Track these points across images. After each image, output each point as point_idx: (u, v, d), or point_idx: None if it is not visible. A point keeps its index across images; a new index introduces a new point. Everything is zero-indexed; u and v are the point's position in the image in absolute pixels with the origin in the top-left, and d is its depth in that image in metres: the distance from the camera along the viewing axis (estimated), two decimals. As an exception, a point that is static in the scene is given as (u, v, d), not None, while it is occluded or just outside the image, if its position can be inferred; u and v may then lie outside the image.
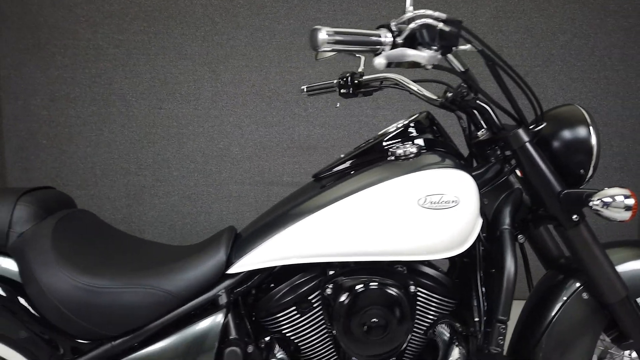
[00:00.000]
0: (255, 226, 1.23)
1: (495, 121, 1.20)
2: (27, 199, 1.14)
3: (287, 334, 1.16)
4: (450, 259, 1.25)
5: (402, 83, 1.41)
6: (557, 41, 2.99)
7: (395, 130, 1.24)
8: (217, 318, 1.12)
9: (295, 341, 1.16)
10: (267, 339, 1.17)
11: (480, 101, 1.19)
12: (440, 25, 1.01)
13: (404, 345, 1.17)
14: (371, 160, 1.21)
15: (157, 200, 3.07)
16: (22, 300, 1.08)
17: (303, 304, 1.15)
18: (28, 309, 1.07)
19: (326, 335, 1.17)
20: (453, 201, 1.08)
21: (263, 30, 2.99)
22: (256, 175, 3.09)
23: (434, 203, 1.08)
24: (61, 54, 2.97)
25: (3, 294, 1.07)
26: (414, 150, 1.16)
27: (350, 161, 1.25)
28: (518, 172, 1.24)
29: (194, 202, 3.08)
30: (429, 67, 1.02)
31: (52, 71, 2.98)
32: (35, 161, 3.02)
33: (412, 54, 0.98)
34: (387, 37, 1.01)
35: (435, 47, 1.00)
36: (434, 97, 1.32)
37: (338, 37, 0.99)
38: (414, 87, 1.38)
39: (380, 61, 0.98)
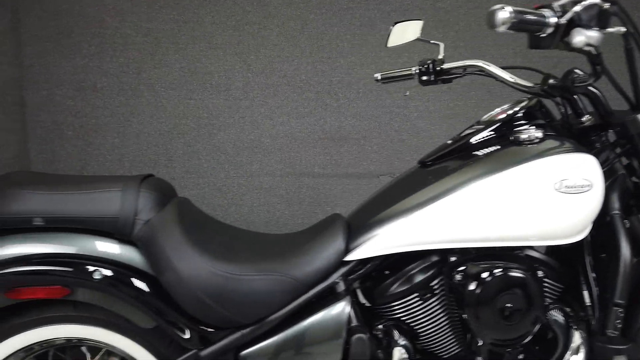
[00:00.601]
0: (367, 214, 1.22)
1: (606, 107, 1.22)
2: (147, 186, 1.11)
3: (406, 320, 1.16)
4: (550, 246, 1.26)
5: (488, 70, 1.41)
6: None
7: (508, 116, 1.24)
8: (343, 305, 1.11)
9: (414, 327, 1.16)
10: (381, 326, 1.17)
11: (592, 87, 1.21)
12: (606, 5, 1.02)
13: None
14: (485, 144, 1.21)
15: (187, 192, 3.02)
16: (145, 288, 1.04)
17: (424, 290, 1.15)
18: (154, 299, 1.04)
19: (447, 320, 1.17)
20: (587, 185, 1.09)
21: (295, 19, 2.96)
22: (287, 166, 3.07)
23: (570, 187, 1.09)
24: (87, 42, 2.88)
25: (137, 283, 1.03)
26: (539, 135, 1.17)
27: (459, 145, 1.24)
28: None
29: (224, 193, 3.05)
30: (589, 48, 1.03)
31: (78, 60, 2.89)
32: (61, 153, 2.94)
33: (592, 34, 1.00)
34: (552, 17, 1.01)
35: (596, 28, 1.01)
36: (529, 84, 1.32)
37: (515, 17, 0.99)
38: (503, 73, 1.38)
39: (579, 39, 0.99)
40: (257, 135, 3.02)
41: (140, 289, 1.03)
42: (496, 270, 1.11)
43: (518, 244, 1.13)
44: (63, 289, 1.04)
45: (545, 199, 1.10)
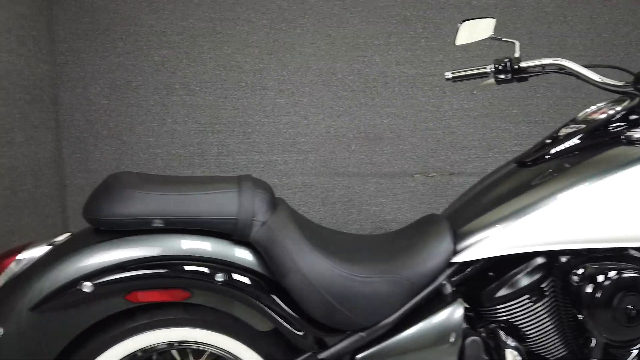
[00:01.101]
0: (469, 215, 1.21)
1: None
2: (260, 187, 1.09)
3: (514, 322, 1.16)
4: None
5: (569, 68, 1.39)
6: (618, 32, 3.05)
7: (609, 115, 1.23)
8: (455, 307, 1.11)
9: (522, 329, 1.16)
10: (484, 328, 1.16)
11: None
12: None
13: None
14: (589, 144, 1.20)
15: (221, 191, 2.99)
16: (265, 291, 1.02)
17: (534, 292, 1.15)
18: (274, 301, 1.02)
19: (556, 321, 1.17)
20: None
21: (331, 17, 2.95)
22: (322, 165, 3.06)
23: None
24: (122, 40, 2.85)
25: (257, 285, 1.01)
26: None
27: (560, 147, 1.24)
28: None
29: (259, 193, 3.02)
30: None
31: (113, 58, 2.86)
32: (94, 152, 2.90)
33: None
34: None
35: None
36: (619, 83, 1.32)
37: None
38: (588, 72, 1.36)
39: None
40: (292, 135, 3.01)
41: (260, 291, 1.01)
42: (615, 271, 1.10)
43: (633, 245, 1.13)
44: (184, 292, 1.02)
45: None
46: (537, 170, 1.23)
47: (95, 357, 1.03)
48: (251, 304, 1.02)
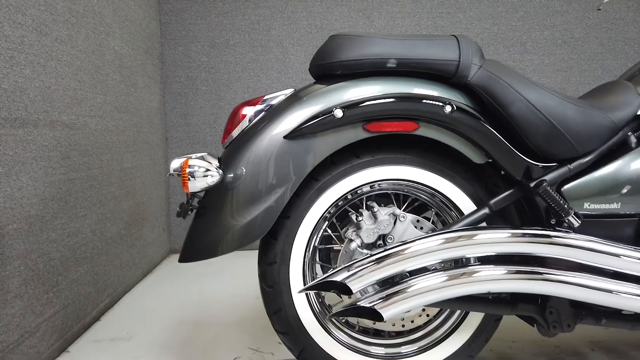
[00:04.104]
0: None
1: None
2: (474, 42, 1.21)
3: None
4: None
5: None
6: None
7: None
8: None
9: None
10: None
11: None
12: None
13: None
14: None
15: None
16: (486, 123, 1.12)
17: None
18: (493, 133, 1.12)
19: None
20: None
21: (416, -23, 3.08)
22: (407, 119, 3.16)
23: None
24: (221, 0, 3.02)
25: (480, 118, 1.12)
26: None
27: None
28: None
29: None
30: None
31: (212, 18, 3.03)
32: (194, 107, 3.06)
33: None
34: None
35: None
36: None
37: None
38: None
39: None
40: (379, 90, 3.13)
41: (485, 124, 1.12)
42: None
43: None
44: (414, 124, 1.14)
45: None
46: None
47: (327, 189, 1.16)
48: (475, 134, 1.13)
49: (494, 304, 1.19)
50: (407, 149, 1.21)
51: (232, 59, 3.05)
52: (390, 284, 1.07)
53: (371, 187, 1.22)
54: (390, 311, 1.03)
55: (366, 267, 1.03)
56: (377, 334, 1.28)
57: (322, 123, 1.11)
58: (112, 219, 2.09)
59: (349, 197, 1.22)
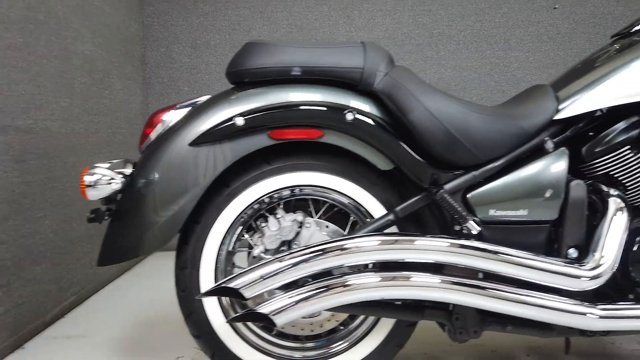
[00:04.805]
0: (570, 79, 1.29)
1: None
2: (382, 48, 1.22)
3: (615, 174, 1.22)
4: None
5: None
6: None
7: None
8: (561, 152, 1.19)
9: (623, 181, 1.22)
10: (589, 182, 1.23)
11: None
12: None
13: None
14: None
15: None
16: (389, 130, 1.13)
17: (636, 143, 1.21)
18: (397, 140, 1.13)
19: None
20: None
21: (397, -26, 3.06)
22: (389, 118, 3.15)
23: None
24: (202, 1, 3.06)
25: (382, 126, 1.13)
26: None
27: None
28: None
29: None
30: None
31: (194, 19, 3.07)
32: (177, 107, 3.11)
33: None
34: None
35: None
36: None
37: None
38: None
39: None
40: (360, 88, 3.13)
41: (384, 131, 1.13)
42: None
43: None
44: (318, 131, 1.16)
45: None
46: (634, 34, 1.29)
47: (237, 195, 1.18)
48: (377, 141, 1.14)
49: (401, 310, 1.20)
50: (320, 155, 1.22)
51: (213, 59, 3.09)
52: (288, 290, 1.09)
53: (292, 192, 1.24)
54: (283, 318, 1.05)
55: (257, 273, 1.05)
56: (297, 338, 1.31)
57: (223, 131, 1.13)
58: (79, 219, 2.15)
59: (267, 201, 1.24)
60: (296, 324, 1.23)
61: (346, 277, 1.09)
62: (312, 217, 1.25)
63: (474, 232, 1.14)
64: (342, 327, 1.30)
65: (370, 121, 1.15)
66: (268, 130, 1.16)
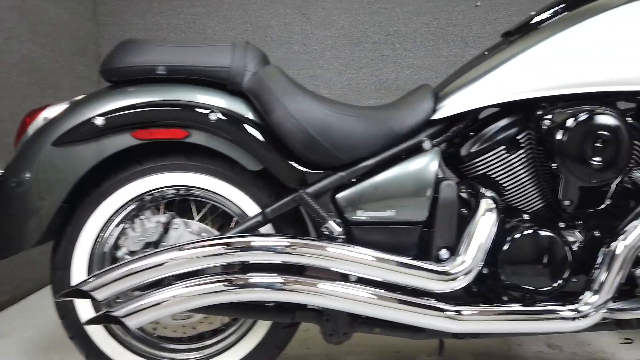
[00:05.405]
0: (452, 79, 1.28)
1: None
2: (253, 47, 1.21)
3: (491, 175, 1.20)
4: None
5: None
6: None
7: None
8: (433, 154, 1.17)
9: (499, 181, 1.20)
10: (465, 184, 1.22)
11: None
12: None
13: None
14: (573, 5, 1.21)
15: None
16: (254, 131, 1.13)
17: (510, 143, 1.19)
18: (263, 141, 1.12)
19: (532, 174, 1.20)
20: None
21: (352, -28, 3.05)
22: (345, 116, 3.14)
23: None
24: (158, 0, 3.06)
25: (247, 127, 1.12)
26: None
27: (544, 14, 1.26)
28: None
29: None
30: None
31: (149, 17, 3.07)
32: (133, 106, 3.11)
33: None
34: None
35: None
36: None
37: None
38: None
39: None
40: (315, 87, 3.09)
41: (250, 131, 1.13)
42: (584, 112, 1.11)
43: (615, 89, 1.12)
44: (183, 131, 1.15)
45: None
46: (519, 32, 1.28)
47: (108, 196, 1.18)
48: (242, 142, 1.13)
49: (271, 311, 1.19)
50: (196, 155, 1.22)
51: (169, 58, 3.09)
52: (146, 292, 1.09)
53: (177, 191, 1.24)
54: (136, 320, 1.04)
55: (110, 275, 1.05)
56: (178, 340, 1.30)
57: (83, 131, 1.13)
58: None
59: (147, 199, 1.23)
60: (167, 325, 1.23)
61: (199, 279, 1.08)
62: (182, 218, 1.23)
63: (336, 233, 1.13)
64: (224, 329, 1.30)
65: (234, 121, 1.14)
66: (131, 130, 1.16)
